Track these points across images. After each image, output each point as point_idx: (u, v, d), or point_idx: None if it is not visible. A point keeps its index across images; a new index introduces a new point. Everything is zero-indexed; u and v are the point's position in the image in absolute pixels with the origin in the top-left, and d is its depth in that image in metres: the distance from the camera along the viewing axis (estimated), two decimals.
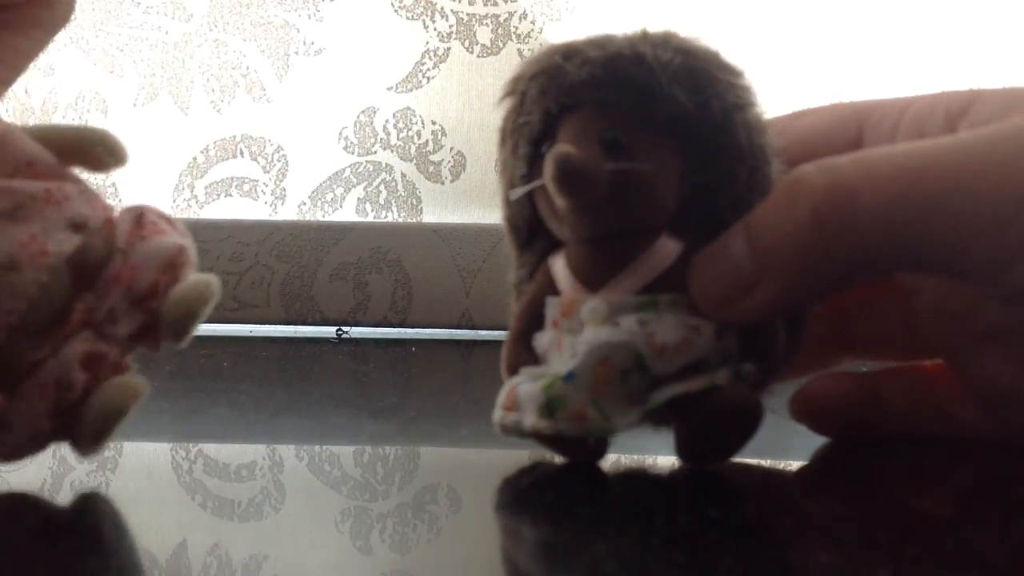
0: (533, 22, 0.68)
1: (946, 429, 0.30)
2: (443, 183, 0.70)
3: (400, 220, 0.70)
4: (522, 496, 0.26)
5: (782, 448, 0.31)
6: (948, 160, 0.25)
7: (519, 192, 0.28)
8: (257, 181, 0.71)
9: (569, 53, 0.27)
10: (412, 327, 0.65)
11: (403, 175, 0.70)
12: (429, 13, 0.68)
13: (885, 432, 0.31)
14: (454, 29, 0.68)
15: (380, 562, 0.21)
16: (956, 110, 0.28)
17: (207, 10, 0.70)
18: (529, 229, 0.29)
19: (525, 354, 0.28)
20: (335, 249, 0.66)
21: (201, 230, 0.64)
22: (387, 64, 0.69)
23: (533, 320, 0.28)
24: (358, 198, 0.70)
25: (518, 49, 0.68)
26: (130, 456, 0.31)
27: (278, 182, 0.70)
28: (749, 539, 0.23)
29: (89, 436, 0.25)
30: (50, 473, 0.28)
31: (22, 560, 0.21)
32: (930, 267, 0.27)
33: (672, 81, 0.26)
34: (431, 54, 0.69)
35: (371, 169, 0.70)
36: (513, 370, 0.28)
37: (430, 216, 0.70)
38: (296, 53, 0.70)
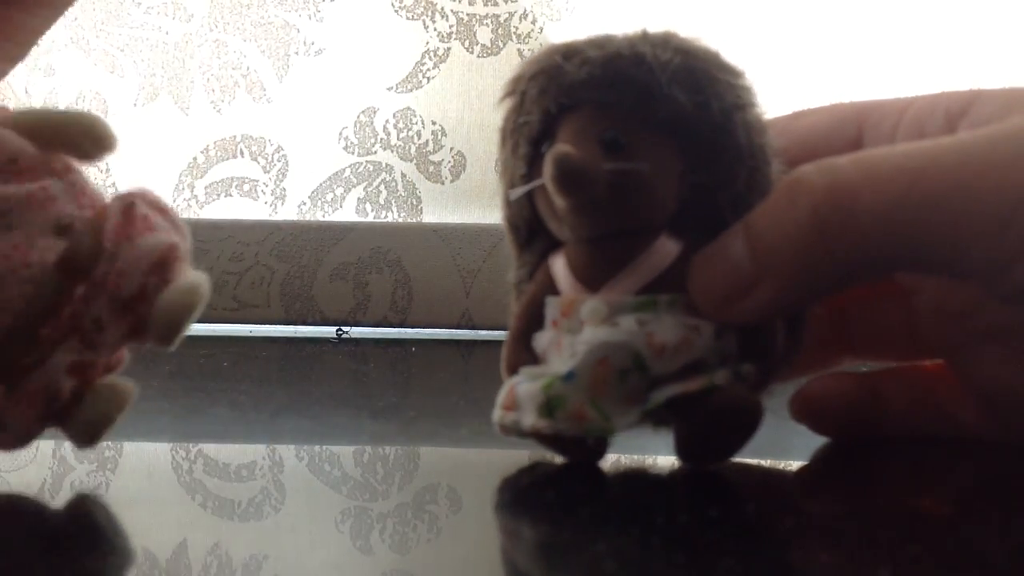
0: (533, 22, 0.68)
1: (946, 429, 0.30)
2: (443, 183, 0.70)
3: (400, 220, 0.70)
4: (522, 496, 0.26)
5: (782, 448, 0.31)
6: (948, 160, 0.25)
7: (519, 192, 0.28)
8: (257, 181, 0.71)
9: (569, 53, 0.27)
10: (412, 327, 0.65)
11: (403, 175, 0.70)
12: (429, 13, 0.68)
13: (885, 432, 0.31)
14: (454, 29, 0.68)
15: (380, 562, 0.21)
16: (956, 110, 0.28)
17: (207, 10, 0.70)
18: (529, 229, 0.29)
19: (525, 354, 0.28)
20: (335, 249, 0.66)
21: (201, 230, 0.64)
22: (387, 64, 0.69)
23: (533, 320, 0.28)
24: (358, 198, 0.70)
25: (518, 49, 0.68)
26: (130, 456, 0.31)
27: (278, 182, 0.70)
28: (749, 539, 0.23)
29: (80, 441, 0.26)
30: (50, 473, 0.28)
31: (22, 560, 0.21)
32: (930, 267, 0.27)
33: (672, 81, 0.26)
34: (431, 54, 0.69)
35: (371, 169, 0.70)
36: (513, 370, 0.28)
37: (430, 216, 0.70)
38: (296, 53, 0.70)
